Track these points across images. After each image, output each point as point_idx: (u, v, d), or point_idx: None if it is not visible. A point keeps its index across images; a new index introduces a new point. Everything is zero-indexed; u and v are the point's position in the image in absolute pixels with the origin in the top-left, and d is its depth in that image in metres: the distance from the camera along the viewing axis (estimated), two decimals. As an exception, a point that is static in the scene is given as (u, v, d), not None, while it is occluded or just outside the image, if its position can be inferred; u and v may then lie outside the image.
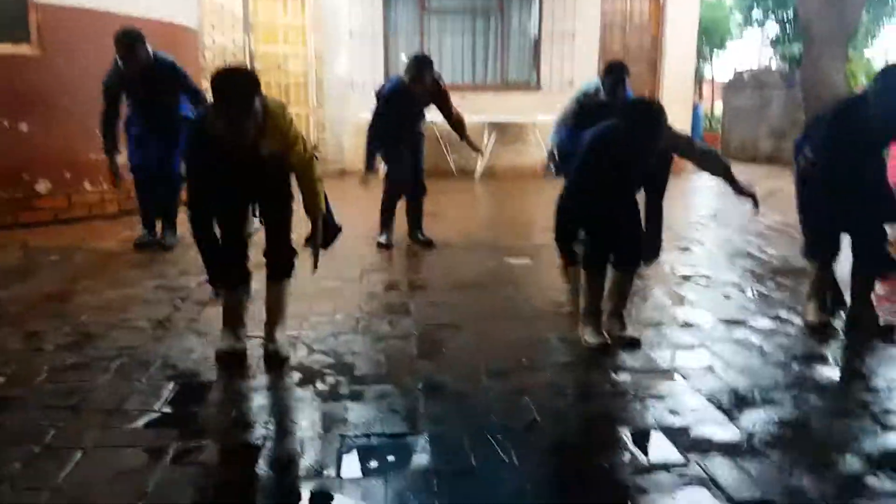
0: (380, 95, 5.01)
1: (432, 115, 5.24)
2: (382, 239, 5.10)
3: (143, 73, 4.58)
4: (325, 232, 3.03)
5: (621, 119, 2.92)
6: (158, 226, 5.04)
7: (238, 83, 2.54)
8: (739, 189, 3.31)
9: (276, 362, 2.87)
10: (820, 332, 3.30)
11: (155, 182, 4.90)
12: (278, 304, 3.01)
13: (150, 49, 4.59)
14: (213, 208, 2.82)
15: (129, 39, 4.47)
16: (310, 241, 2.99)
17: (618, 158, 2.92)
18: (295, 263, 3.01)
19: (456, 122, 5.22)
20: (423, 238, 5.19)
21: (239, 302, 2.96)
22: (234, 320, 2.95)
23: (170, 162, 4.82)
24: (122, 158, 4.84)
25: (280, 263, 2.97)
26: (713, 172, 3.30)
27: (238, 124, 2.52)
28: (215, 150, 2.64)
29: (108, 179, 4.85)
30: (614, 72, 4.79)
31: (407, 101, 4.92)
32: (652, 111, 2.91)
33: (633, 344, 3.10)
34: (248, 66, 2.66)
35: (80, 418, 2.40)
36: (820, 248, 3.39)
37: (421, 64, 4.83)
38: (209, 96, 2.78)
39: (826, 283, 3.43)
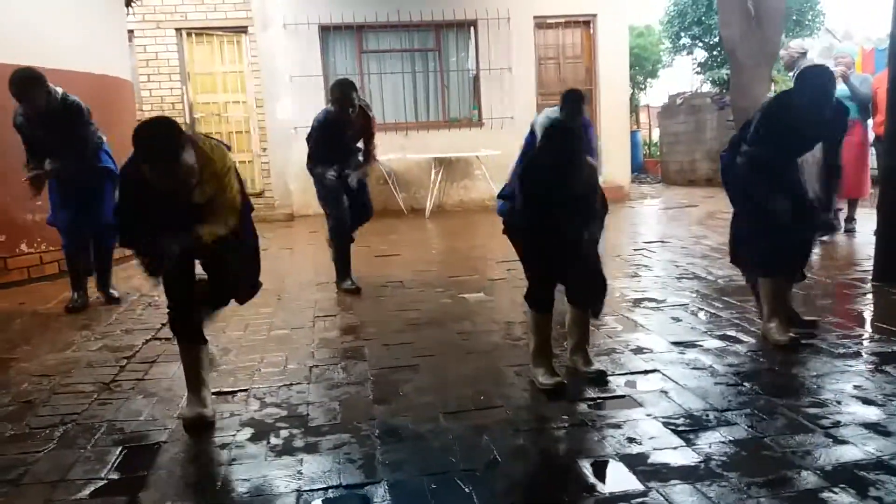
0: (311, 128, 4.96)
1: (380, 154, 5.24)
2: (346, 284, 5.01)
3: (47, 115, 4.42)
4: (243, 289, 3.03)
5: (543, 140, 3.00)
6: (93, 283, 4.90)
7: (158, 135, 2.49)
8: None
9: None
10: (788, 348, 3.35)
11: (83, 240, 4.76)
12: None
13: (56, 90, 4.47)
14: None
15: (28, 79, 4.34)
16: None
17: (544, 179, 2.89)
18: (229, 298, 3.01)
19: (368, 152, 5.13)
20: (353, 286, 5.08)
21: (198, 361, 2.86)
22: (195, 383, 2.84)
23: (97, 217, 4.69)
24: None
25: (218, 298, 2.98)
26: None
27: (163, 174, 2.48)
28: (147, 195, 2.58)
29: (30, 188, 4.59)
30: (571, 100, 4.91)
31: (338, 129, 4.85)
32: (567, 133, 3.00)
33: (600, 378, 3.06)
34: (170, 118, 2.60)
35: (21, 493, 2.29)
36: (775, 264, 3.46)
37: (343, 86, 4.74)
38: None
39: (783, 296, 3.51)
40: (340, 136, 4.89)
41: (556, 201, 2.89)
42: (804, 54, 6.79)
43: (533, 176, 2.93)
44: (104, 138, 4.84)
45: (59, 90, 4.52)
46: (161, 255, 2.67)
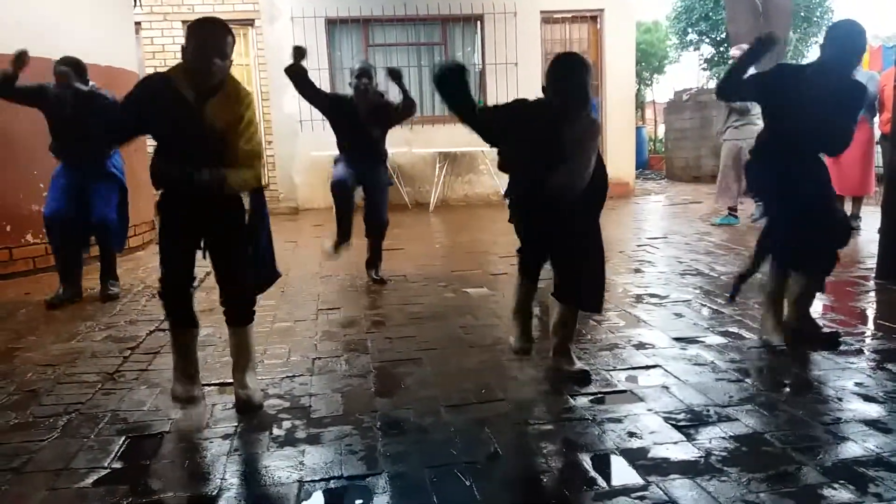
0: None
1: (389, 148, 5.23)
2: (328, 246, 5.06)
3: (76, 100, 4.46)
4: (261, 274, 2.93)
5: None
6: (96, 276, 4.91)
7: (212, 21, 2.67)
8: None
9: (248, 409, 2.78)
10: (774, 347, 3.35)
11: (74, 237, 4.74)
12: (242, 349, 2.91)
13: (91, 83, 4.55)
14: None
15: (67, 65, 4.46)
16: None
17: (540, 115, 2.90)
18: (254, 308, 2.93)
19: (406, 108, 5.06)
20: (376, 277, 5.11)
21: (186, 348, 2.87)
22: (185, 365, 2.86)
23: (98, 216, 4.68)
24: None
25: (240, 308, 2.88)
26: None
27: (204, 55, 2.57)
28: (165, 101, 2.61)
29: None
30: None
31: (348, 108, 4.89)
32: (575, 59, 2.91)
33: (583, 378, 3.00)
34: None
35: (24, 480, 2.31)
36: (781, 259, 3.46)
37: (361, 71, 4.85)
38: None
39: (780, 294, 3.50)
40: (353, 116, 4.90)
41: (541, 147, 2.85)
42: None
43: (529, 107, 2.93)
44: (118, 151, 4.82)
45: (92, 84, 4.60)
46: (182, 181, 2.61)
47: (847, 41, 3.13)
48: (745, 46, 7.20)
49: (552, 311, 3.13)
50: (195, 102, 2.64)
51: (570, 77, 2.81)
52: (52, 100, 4.51)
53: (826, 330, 3.48)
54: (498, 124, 3.00)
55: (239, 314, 2.90)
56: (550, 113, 2.85)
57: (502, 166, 3.12)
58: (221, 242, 2.80)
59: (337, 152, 5.08)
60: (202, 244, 2.81)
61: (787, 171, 3.27)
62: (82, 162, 4.64)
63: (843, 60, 3.15)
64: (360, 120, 4.91)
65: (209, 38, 2.61)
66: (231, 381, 2.98)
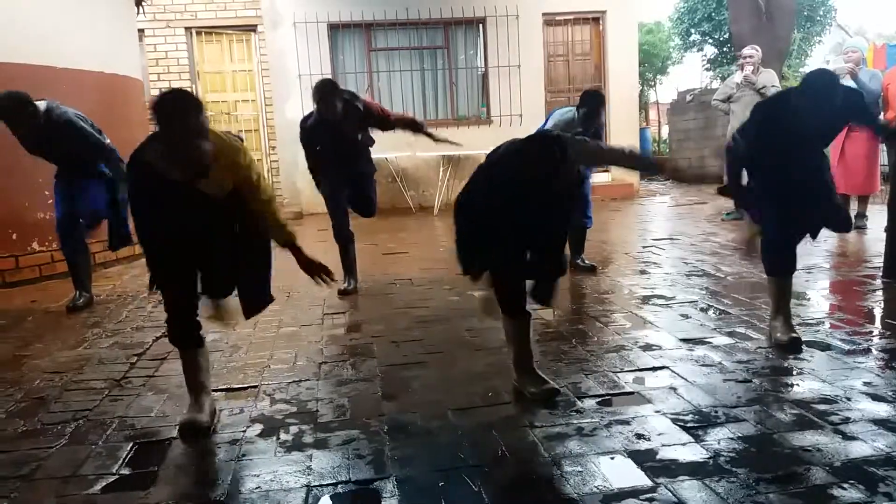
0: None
1: (388, 152, 5.22)
2: (343, 285, 4.92)
3: (35, 135, 4.39)
4: (255, 298, 2.88)
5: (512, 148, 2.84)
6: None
7: (182, 100, 2.43)
8: (654, 166, 3.27)
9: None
10: (787, 348, 3.32)
11: (76, 233, 4.74)
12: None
13: (41, 106, 4.34)
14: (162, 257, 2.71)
15: (12, 104, 4.23)
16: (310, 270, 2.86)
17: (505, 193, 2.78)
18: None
19: (401, 123, 4.91)
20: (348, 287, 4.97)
21: (194, 364, 2.81)
22: (193, 387, 2.80)
23: (89, 202, 4.70)
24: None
25: (253, 301, 2.86)
26: (625, 165, 3.19)
27: (184, 143, 2.37)
28: (158, 186, 2.51)
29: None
30: (590, 103, 4.75)
31: (327, 132, 4.66)
32: (550, 148, 2.72)
33: (550, 397, 2.84)
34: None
35: (33, 487, 2.31)
36: (777, 264, 3.45)
37: (323, 90, 4.54)
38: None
39: (787, 295, 3.49)
40: (334, 140, 4.70)
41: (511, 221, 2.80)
42: None
43: (496, 185, 2.80)
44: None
45: (43, 104, 4.37)
46: None
47: (820, 95, 3.14)
48: (752, 53, 7.25)
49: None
50: (185, 181, 2.51)
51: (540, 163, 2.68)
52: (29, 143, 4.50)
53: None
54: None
55: (252, 306, 2.88)
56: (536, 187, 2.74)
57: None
58: (216, 269, 2.80)
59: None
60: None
61: (789, 177, 3.32)
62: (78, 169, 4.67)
63: (817, 110, 3.15)
64: (346, 141, 4.76)
65: (186, 122, 2.37)
66: (237, 386, 2.98)
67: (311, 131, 4.77)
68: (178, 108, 2.39)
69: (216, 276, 2.81)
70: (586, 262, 5.34)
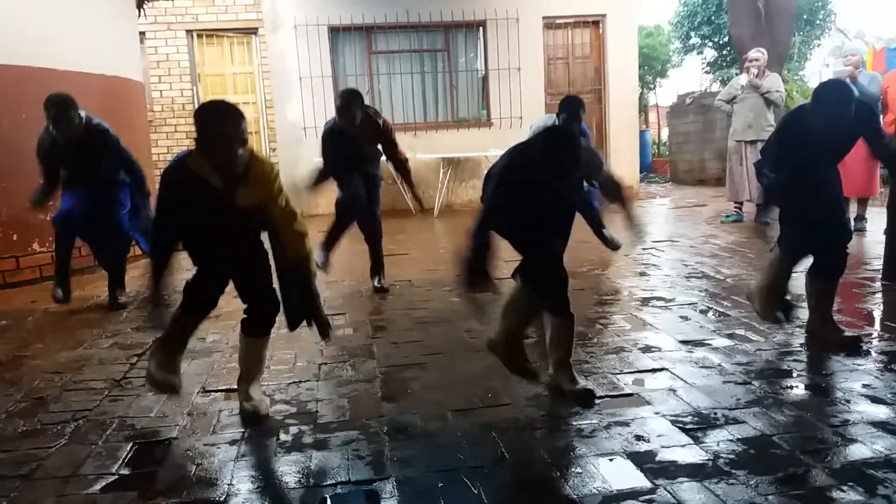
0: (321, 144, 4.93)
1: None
2: (320, 258, 4.93)
3: (75, 139, 4.44)
4: (296, 312, 2.90)
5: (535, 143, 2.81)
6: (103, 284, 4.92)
7: (225, 109, 2.59)
8: (628, 216, 3.22)
9: (255, 421, 2.77)
10: (780, 347, 3.34)
11: (96, 236, 4.77)
12: (255, 360, 2.92)
13: (82, 114, 4.46)
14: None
15: (61, 102, 4.35)
16: (305, 317, 2.89)
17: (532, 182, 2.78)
18: (275, 320, 2.92)
19: (398, 163, 5.02)
20: (379, 285, 5.05)
21: (189, 329, 2.91)
22: (177, 347, 2.90)
23: (114, 214, 4.69)
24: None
25: (262, 321, 2.89)
26: (609, 198, 3.17)
27: (227, 148, 2.50)
28: (193, 194, 2.60)
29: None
30: (569, 107, 4.84)
31: (345, 141, 4.76)
32: (569, 139, 2.78)
33: (587, 397, 2.85)
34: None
35: (33, 487, 2.31)
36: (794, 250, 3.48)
37: (346, 99, 4.67)
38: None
39: (783, 281, 3.51)
40: (351, 149, 4.79)
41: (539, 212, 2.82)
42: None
43: (517, 183, 2.79)
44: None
45: (83, 113, 4.50)
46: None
47: (831, 108, 3.14)
48: (758, 56, 7.30)
49: (546, 326, 3.05)
50: (224, 187, 2.61)
51: (564, 153, 2.71)
52: (61, 151, 4.51)
53: (848, 334, 3.46)
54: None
55: (260, 325, 2.90)
56: (545, 179, 2.76)
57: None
58: (248, 278, 2.87)
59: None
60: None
61: (810, 184, 3.33)
62: (93, 186, 4.66)
63: (835, 122, 3.15)
64: (358, 149, 4.85)
65: (227, 128, 2.52)
66: (237, 386, 2.98)
67: (328, 136, 4.85)
68: (222, 117, 2.55)
69: (245, 285, 2.88)
70: (611, 235, 5.58)
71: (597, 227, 5.64)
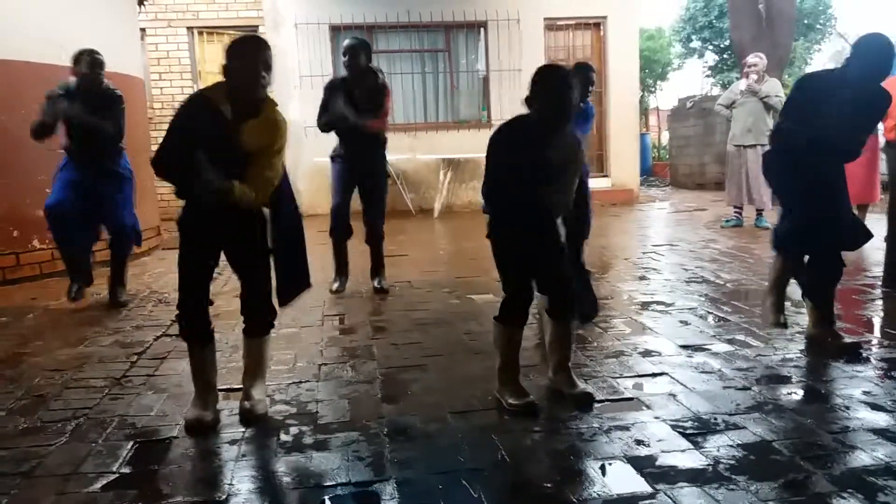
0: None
1: (389, 154, 5.22)
2: (334, 286, 4.99)
3: (91, 92, 4.50)
4: (293, 284, 2.94)
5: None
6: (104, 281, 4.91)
7: (254, 38, 2.81)
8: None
9: (250, 420, 2.76)
10: (780, 353, 3.34)
11: (83, 230, 4.69)
12: (257, 361, 2.92)
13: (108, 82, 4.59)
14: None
15: (92, 52, 4.54)
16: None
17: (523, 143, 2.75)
18: (273, 320, 2.93)
19: (380, 121, 4.95)
20: (379, 286, 5.03)
21: (202, 361, 2.83)
22: (202, 384, 2.83)
23: (112, 221, 4.69)
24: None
25: (258, 320, 2.89)
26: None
27: (251, 66, 2.61)
28: (203, 121, 2.64)
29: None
30: (579, 71, 4.79)
31: (345, 89, 4.77)
32: (562, 74, 2.82)
33: (586, 400, 2.84)
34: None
35: (33, 485, 2.31)
36: (795, 243, 3.48)
37: (353, 43, 4.72)
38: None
39: (786, 280, 3.53)
40: (347, 95, 4.78)
41: (531, 170, 2.75)
42: None
43: (509, 141, 2.77)
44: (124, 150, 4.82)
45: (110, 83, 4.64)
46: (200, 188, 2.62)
47: (873, 57, 3.13)
48: (756, 61, 7.33)
49: (545, 329, 3.05)
50: (233, 120, 2.67)
51: (559, 93, 2.72)
52: (75, 108, 4.46)
53: (848, 340, 3.47)
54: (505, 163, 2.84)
55: (258, 323, 2.90)
56: (536, 132, 2.76)
57: (489, 193, 2.90)
58: (241, 254, 2.84)
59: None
60: (218, 257, 2.85)
61: (819, 176, 3.32)
62: (94, 162, 4.61)
63: (868, 76, 3.15)
64: (355, 104, 4.79)
65: (255, 52, 2.66)
66: (238, 386, 2.99)
67: (329, 87, 4.88)
68: (251, 40, 2.76)
69: (241, 252, 2.84)
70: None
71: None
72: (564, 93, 2.72)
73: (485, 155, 2.86)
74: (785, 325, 3.56)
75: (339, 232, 4.99)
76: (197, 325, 2.81)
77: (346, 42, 4.83)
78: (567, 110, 2.74)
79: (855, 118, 3.23)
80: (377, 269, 5.11)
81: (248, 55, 2.65)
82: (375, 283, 5.06)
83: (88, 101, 4.48)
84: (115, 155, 4.68)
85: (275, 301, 2.91)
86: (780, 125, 3.43)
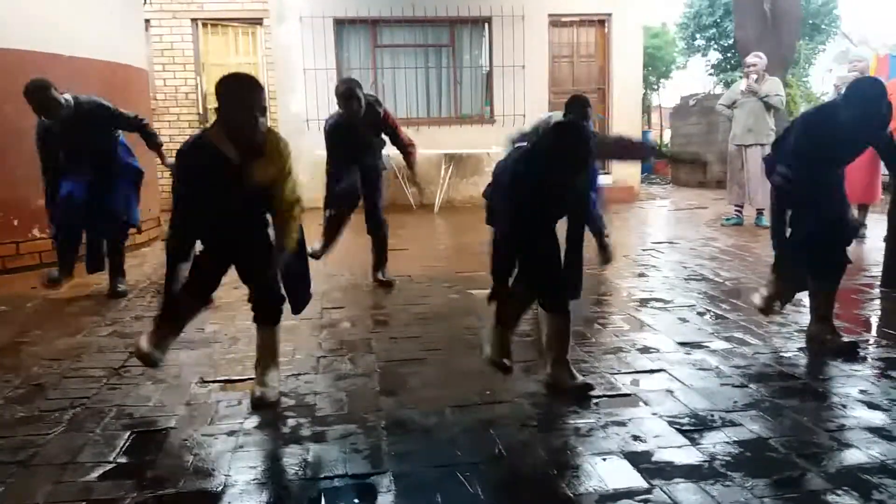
0: (325, 136, 4.93)
1: (390, 149, 5.22)
2: (316, 248, 4.93)
3: (65, 121, 4.42)
4: (297, 295, 3.03)
5: (546, 139, 2.79)
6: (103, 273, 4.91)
7: (246, 78, 2.73)
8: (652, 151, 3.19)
9: (260, 406, 2.81)
10: (778, 351, 3.34)
11: (93, 221, 4.72)
12: (270, 349, 2.98)
13: (68, 97, 4.44)
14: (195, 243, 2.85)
15: (38, 85, 4.34)
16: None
17: (541, 180, 2.76)
18: (283, 308, 2.99)
19: (403, 148, 5.03)
20: (384, 279, 5.06)
21: (190, 317, 2.97)
22: (175, 330, 2.95)
23: (115, 203, 4.70)
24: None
25: (269, 310, 2.95)
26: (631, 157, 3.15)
27: (248, 113, 2.59)
28: (209, 167, 2.65)
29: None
30: (575, 106, 4.83)
31: (350, 133, 4.78)
32: (578, 131, 2.81)
33: (585, 390, 2.88)
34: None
35: (30, 474, 2.32)
36: (790, 272, 3.49)
37: (348, 88, 4.68)
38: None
39: (786, 289, 3.55)
40: (353, 136, 4.80)
41: (548, 213, 2.84)
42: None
43: (525, 186, 2.78)
44: (120, 133, 4.83)
45: (69, 97, 4.47)
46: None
47: (868, 105, 3.15)
48: (756, 61, 7.34)
49: (542, 324, 3.05)
50: (239, 162, 2.68)
51: (578, 147, 2.71)
52: (55, 137, 4.48)
53: (846, 339, 3.47)
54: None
55: (268, 314, 2.96)
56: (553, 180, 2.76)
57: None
58: (252, 261, 2.90)
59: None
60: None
61: (821, 181, 3.33)
62: (94, 171, 4.64)
63: (861, 123, 3.17)
64: (359, 138, 4.84)
65: (249, 97, 2.63)
66: (237, 378, 3.00)
67: (333, 131, 4.85)
68: (243, 85, 2.68)
69: (253, 267, 2.91)
70: (608, 244, 5.34)
71: (599, 233, 5.34)
72: (579, 147, 2.72)
73: (500, 174, 2.96)
74: (772, 312, 3.63)
75: (349, 200, 4.96)
76: (203, 288, 2.92)
77: (340, 89, 4.74)
78: (580, 169, 2.75)
79: (863, 144, 3.38)
80: (382, 261, 5.11)
81: (244, 102, 2.62)
82: (381, 276, 5.05)
83: (69, 127, 4.45)
84: (114, 153, 4.68)
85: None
86: (783, 174, 3.40)
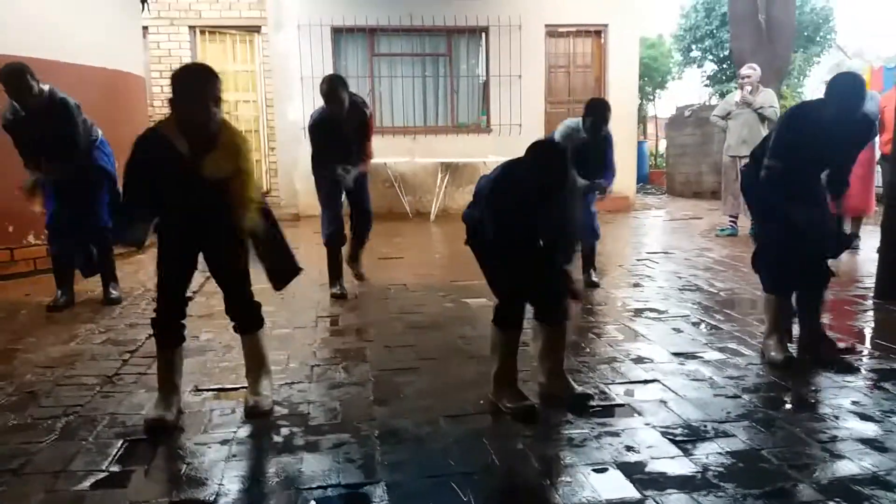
0: (308, 130, 4.91)
1: (387, 157, 5.23)
2: (335, 290, 4.97)
3: (35, 110, 4.34)
4: (284, 271, 2.98)
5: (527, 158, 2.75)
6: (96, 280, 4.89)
7: (199, 66, 2.72)
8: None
9: (254, 415, 2.79)
10: (781, 367, 3.31)
11: (72, 240, 4.68)
12: (256, 356, 2.95)
13: (45, 87, 4.39)
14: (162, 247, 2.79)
15: (15, 69, 4.26)
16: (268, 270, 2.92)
17: (523, 197, 2.75)
18: (261, 314, 2.96)
19: (362, 152, 4.93)
20: (361, 271, 5.19)
21: (171, 364, 2.85)
22: (166, 386, 2.83)
23: (94, 219, 4.67)
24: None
25: (245, 317, 2.92)
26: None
27: (199, 103, 2.53)
28: (160, 159, 2.60)
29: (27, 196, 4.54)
30: (596, 110, 4.80)
31: (332, 130, 4.74)
32: (556, 151, 2.80)
33: (583, 401, 2.89)
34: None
35: (23, 482, 2.31)
36: (780, 282, 3.47)
37: (333, 84, 4.62)
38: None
39: (784, 316, 3.51)
40: (336, 133, 4.76)
41: (527, 234, 2.83)
42: None
43: (505, 200, 2.78)
44: (100, 133, 4.74)
45: (47, 87, 4.41)
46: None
47: (845, 97, 3.15)
48: (750, 73, 7.38)
49: (536, 334, 3.05)
50: (191, 156, 2.62)
51: (551, 169, 2.70)
52: (19, 127, 4.42)
53: (838, 349, 3.48)
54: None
55: (245, 321, 2.93)
56: (535, 196, 2.75)
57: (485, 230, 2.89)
58: (219, 254, 2.84)
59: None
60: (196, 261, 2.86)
61: (796, 195, 3.32)
62: (67, 172, 4.54)
63: (843, 115, 3.17)
64: (343, 136, 4.80)
65: (201, 87, 2.56)
66: (230, 386, 2.99)
67: (317, 127, 4.82)
68: (197, 73, 2.63)
69: (219, 259, 2.86)
70: (594, 278, 5.30)
71: (585, 267, 5.24)
72: (552, 168, 2.69)
73: (482, 191, 2.93)
74: (792, 361, 3.35)
75: (336, 240, 4.99)
76: (172, 329, 2.83)
77: (324, 86, 4.66)
78: (563, 182, 2.72)
79: (841, 150, 3.36)
80: (358, 255, 5.21)
81: (195, 92, 2.55)
82: (362, 270, 5.20)
83: (38, 117, 4.37)
84: (80, 154, 4.58)
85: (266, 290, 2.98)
86: (771, 165, 3.39)
